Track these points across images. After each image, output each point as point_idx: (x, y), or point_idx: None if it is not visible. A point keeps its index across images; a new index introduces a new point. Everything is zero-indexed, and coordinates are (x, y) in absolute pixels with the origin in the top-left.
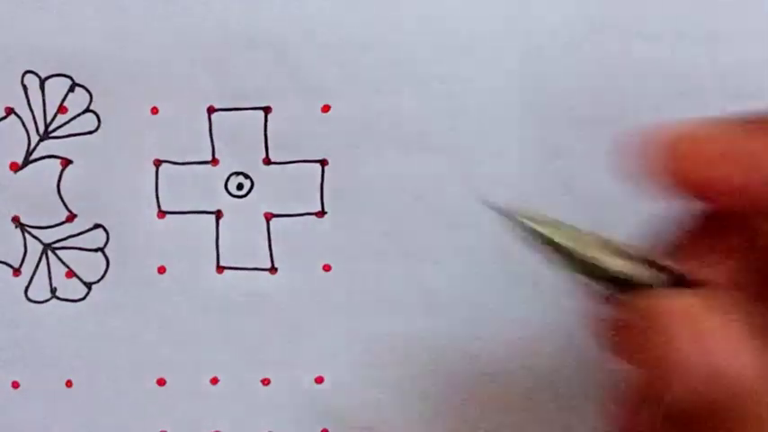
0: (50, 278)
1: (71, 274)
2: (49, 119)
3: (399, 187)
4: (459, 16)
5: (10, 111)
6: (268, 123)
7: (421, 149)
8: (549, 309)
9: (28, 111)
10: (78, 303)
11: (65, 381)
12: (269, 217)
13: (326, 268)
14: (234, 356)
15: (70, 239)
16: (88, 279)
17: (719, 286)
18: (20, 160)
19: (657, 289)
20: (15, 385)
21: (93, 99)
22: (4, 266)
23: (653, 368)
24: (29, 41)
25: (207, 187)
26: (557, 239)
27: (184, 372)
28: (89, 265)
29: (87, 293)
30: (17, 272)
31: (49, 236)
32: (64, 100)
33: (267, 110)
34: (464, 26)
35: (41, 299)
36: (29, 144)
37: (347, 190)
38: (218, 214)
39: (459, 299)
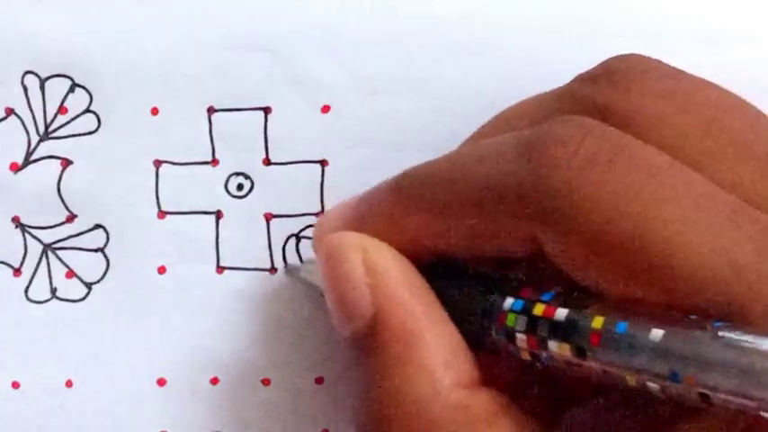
0: (50, 278)
1: (71, 274)
2: (49, 119)
3: None
4: (459, 16)
5: (10, 111)
6: (268, 123)
7: (421, 149)
8: None
9: (28, 111)
10: (78, 303)
11: (65, 381)
12: (269, 217)
13: None
14: (234, 356)
15: (70, 239)
16: (88, 279)
17: None
18: (20, 160)
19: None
20: (15, 385)
21: (93, 99)
22: (4, 266)
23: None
24: (29, 41)
25: (207, 187)
26: None
27: (184, 372)
28: (89, 265)
29: (87, 293)
30: (17, 272)
31: (49, 236)
32: (64, 100)
33: (267, 110)
34: (464, 26)
35: (41, 299)
36: (29, 144)
37: (347, 190)
38: (218, 214)
39: None
